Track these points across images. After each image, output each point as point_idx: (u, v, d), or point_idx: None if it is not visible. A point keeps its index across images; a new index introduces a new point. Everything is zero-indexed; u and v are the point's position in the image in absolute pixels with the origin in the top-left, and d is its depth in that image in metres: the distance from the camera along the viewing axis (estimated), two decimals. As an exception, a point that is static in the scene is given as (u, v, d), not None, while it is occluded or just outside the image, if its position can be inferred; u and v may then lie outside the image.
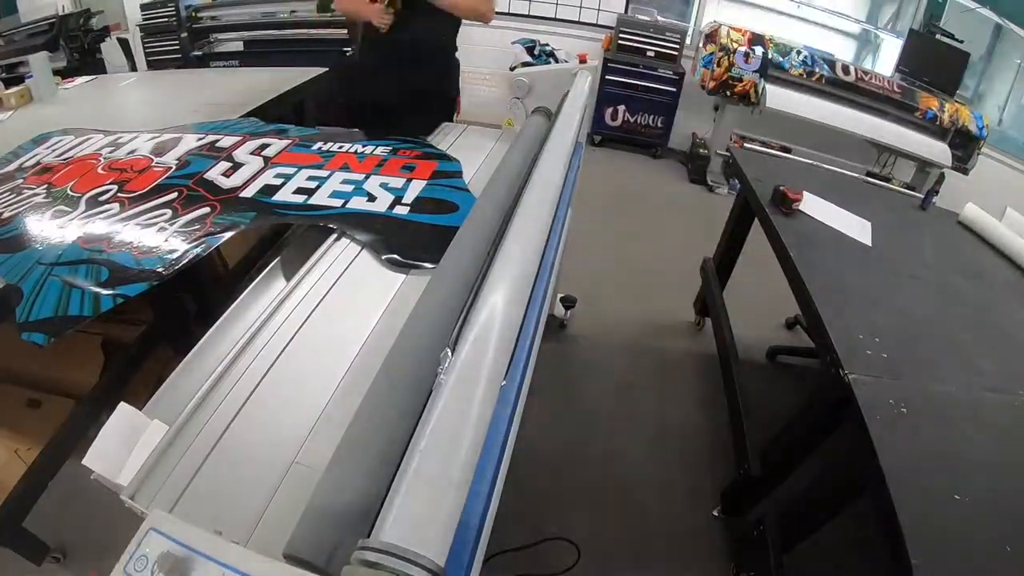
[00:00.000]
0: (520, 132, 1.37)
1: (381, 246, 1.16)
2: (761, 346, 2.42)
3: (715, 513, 1.72)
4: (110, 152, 1.62)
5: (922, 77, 3.69)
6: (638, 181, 4.05)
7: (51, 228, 1.26)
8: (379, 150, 1.57)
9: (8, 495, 1.27)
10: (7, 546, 1.31)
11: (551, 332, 2.34)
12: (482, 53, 4.18)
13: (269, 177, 1.41)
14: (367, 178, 1.40)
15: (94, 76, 2.53)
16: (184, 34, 3.72)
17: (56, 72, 2.29)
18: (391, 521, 0.38)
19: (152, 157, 1.56)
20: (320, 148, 1.58)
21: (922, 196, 2.11)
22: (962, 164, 3.54)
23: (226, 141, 1.63)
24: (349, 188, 1.36)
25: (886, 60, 4.14)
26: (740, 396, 1.91)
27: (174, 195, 1.35)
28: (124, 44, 3.82)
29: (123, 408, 0.78)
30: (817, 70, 3.61)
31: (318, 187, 1.36)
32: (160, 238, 1.19)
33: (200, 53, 3.79)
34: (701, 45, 3.84)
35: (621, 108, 4.12)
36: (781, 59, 3.61)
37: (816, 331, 1.29)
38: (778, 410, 1.66)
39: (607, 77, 3.99)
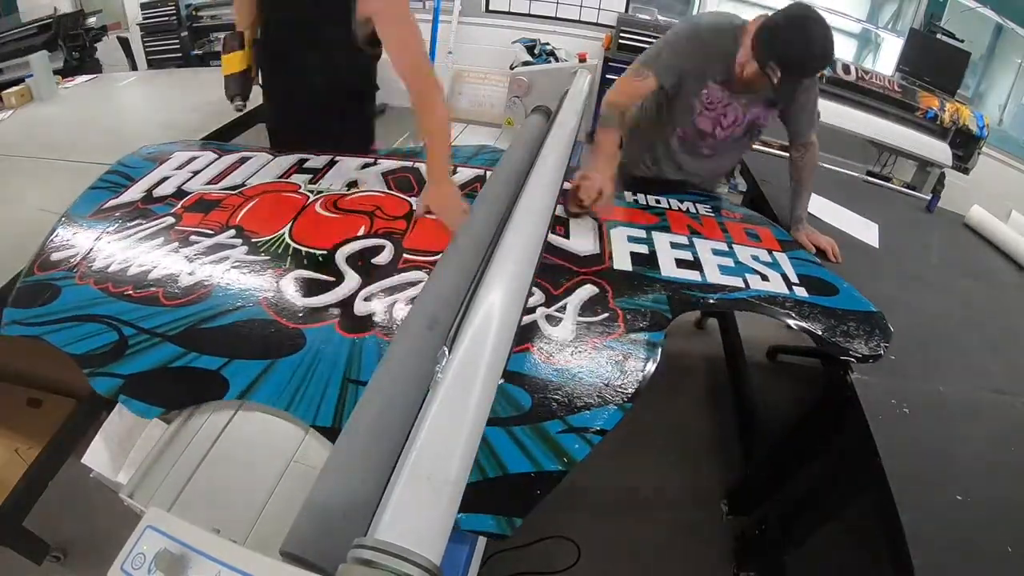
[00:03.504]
0: (519, 131, 1.37)
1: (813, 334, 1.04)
2: (761, 345, 2.41)
3: (723, 507, 1.72)
4: (310, 182, 1.28)
5: (923, 76, 3.68)
6: (638, 180, 4.04)
7: (316, 310, 0.88)
8: (701, 208, 1.39)
9: (8, 494, 1.27)
10: (7, 545, 1.31)
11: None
12: (482, 52, 4.18)
13: (622, 240, 1.17)
14: (731, 247, 1.24)
15: (94, 75, 2.53)
16: (184, 33, 3.72)
17: (54, 72, 2.29)
18: (387, 519, 0.38)
19: (404, 197, 1.22)
20: (638, 202, 1.38)
21: (925, 197, 2.11)
22: (963, 164, 3.53)
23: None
24: (729, 262, 1.18)
25: (887, 59, 4.13)
26: (746, 396, 1.91)
27: None
28: (124, 43, 3.82)
29: (123, 407, 0.78)
30: (818, 69, 3.60)
31: (696, 258, 1.17)
32: (562, 333, 0.87)
33: (200, 52, 3.79)
34: (702, 44, 3.83)
35: (621, 107, 4.12)
36: (782, 58, 3.60)
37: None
38: (778, 409, 1.66)
39: (608, 76, 3.98)
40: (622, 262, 1.10)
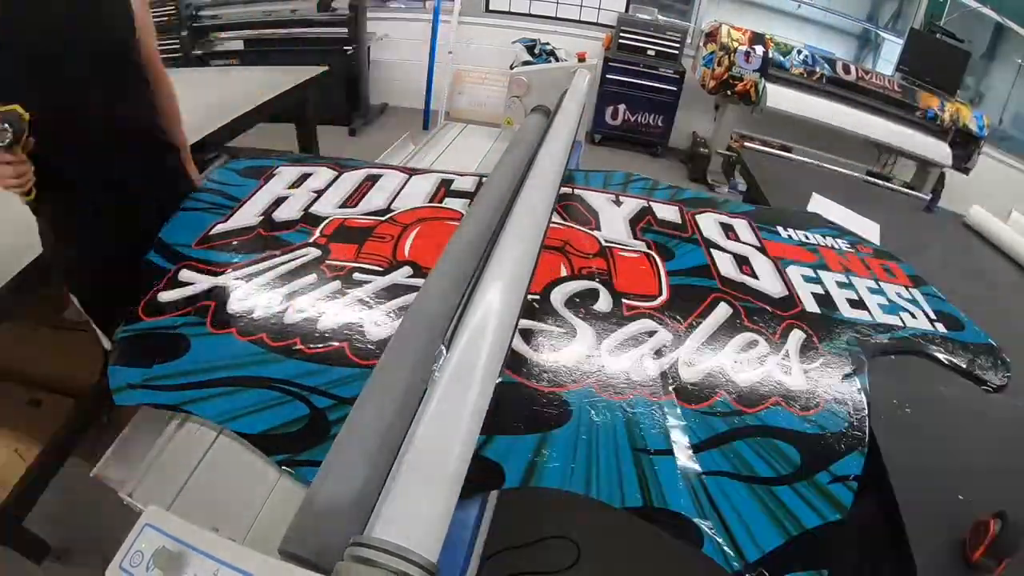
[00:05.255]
0: (518, 131, 1.37)
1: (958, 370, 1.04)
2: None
3: None
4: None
5: (923, 76, 3.68)
6: (638, 180, 4.05)
7: (568, 368, 0.79)
8: (842, 244, 1.36)
9: (8, 494, 1.27)
10: (8, 545, 1.31)
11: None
12: (482, 52, 4.18)
13: (800, 280, 1.14)
14: (879, 284, 1.22)
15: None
16: (184, 33, 3.72)
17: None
18: (384, 518, 0.38)
19: (588, 231, 1.13)
20: (791, 236, 1.33)
21: (925, 196, 2.11)
22: (962, 164, 3.53)
23: (664, 211, 1.29)
24: (884, 300, 1.16)
25: (887, 59, 4.13)
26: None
27: (726, 309, 0.98)
28: (125, 44, 3.82)
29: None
30: (818, 69, 3.60)
31: (859, 297, 1.14)
32: (796, 383, 0.85)
33: (200, 52, 3.79)
34: (702, 44, 3.83)
35: (622, 107, 4.11)
36: (782, 58, 3.60)
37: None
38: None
39: (608, 76, 3.98)
40: (810, 304, 1.07)
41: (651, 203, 1.31)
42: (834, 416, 0.79)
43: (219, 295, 0.87)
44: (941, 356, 1.07)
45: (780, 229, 1.33)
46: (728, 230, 1.26)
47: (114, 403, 0.76)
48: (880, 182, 2.49)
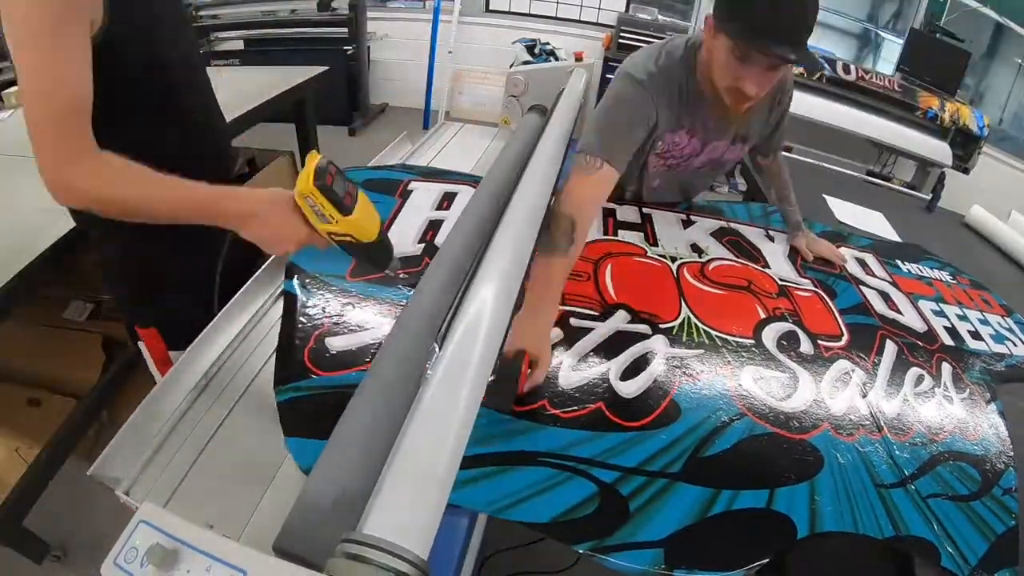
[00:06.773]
0: (515, 130, 1.37)
1: None
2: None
3: None
4: (648, 243, 1.15)
5: (923, 76, 3.68)
6: (638, 180, 4.04)
7: (806, 414, 0.83)
8: (944, 275, 1.40)
9: (8, 494, 1.28)
10: (7, 545, 1.31)
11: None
12: (482, 52, 4.18)
13: (931, 314, 1.19)
14: (984, 315, 1.27)
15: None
16: (185, 34, 3.73)
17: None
18: (375, 515, 0.39)
19: (761, 269, 1.15)
20: (910, 271, 1.37)
21: (925, 196, 2.11)
22: (963, 164, 3.53)
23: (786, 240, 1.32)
24: (991, 330, 1.21)
25: (887, 59, 4.13)
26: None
27: (892, 346, 1.02)
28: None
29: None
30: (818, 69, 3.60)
31: (975, 329, 1.20)
32: (959, 412, 0.93)
33: (200, 52, 3.80)
34: (701, 44, 3.84)
35: (621, 107, 4.12)
36: (781, 58, 3.60)
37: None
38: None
39: (608, 76, 3.99)
40: (945, 337, 1.13)
41: (765, 229, 1.33)
42: (990, 439, 0.89)
43: None
44: None
45: (899, 263, 1.37)
46: (863, 265, 1.30)
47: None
48: (880, 182, 2.49)
